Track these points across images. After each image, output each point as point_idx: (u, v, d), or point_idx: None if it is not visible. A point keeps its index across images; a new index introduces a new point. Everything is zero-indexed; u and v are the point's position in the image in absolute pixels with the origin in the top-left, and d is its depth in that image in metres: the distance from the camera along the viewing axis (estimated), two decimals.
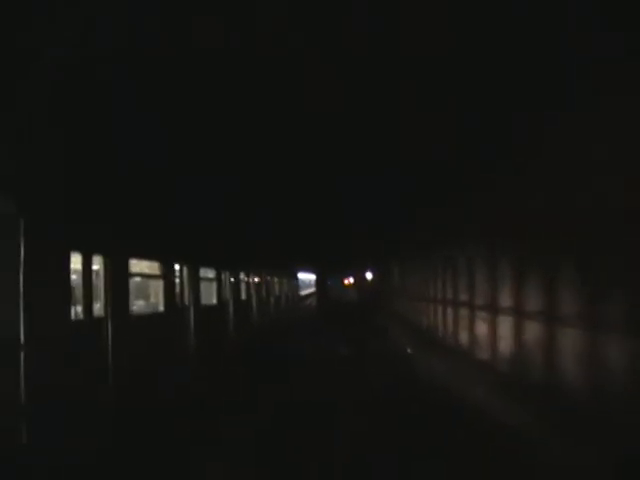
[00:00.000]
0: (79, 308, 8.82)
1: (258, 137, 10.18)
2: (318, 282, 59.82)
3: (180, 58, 6.92)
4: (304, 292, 61.45)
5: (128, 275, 10.75)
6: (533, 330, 9.72)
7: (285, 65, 7.34)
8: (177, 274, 14.23)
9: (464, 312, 14.89)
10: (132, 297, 12.49)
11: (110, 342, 9.38)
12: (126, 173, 10.29)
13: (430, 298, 20.13)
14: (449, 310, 17.02)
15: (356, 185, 14.22)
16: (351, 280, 62.01)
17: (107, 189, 9.72)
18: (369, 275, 54.02)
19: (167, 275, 13.19)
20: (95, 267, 9.43)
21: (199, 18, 6.17)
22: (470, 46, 6.61)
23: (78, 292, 8.81)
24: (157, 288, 13.53)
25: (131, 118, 8.27)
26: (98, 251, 9.35)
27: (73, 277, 8.74)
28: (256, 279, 28.21)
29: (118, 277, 9.97)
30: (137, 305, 13.45)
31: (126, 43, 6.43)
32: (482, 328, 13.07)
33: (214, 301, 18.97)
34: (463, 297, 15.03)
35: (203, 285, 17.10)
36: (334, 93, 8.14)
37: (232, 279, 21.78)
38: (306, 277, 62.34)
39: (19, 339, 6.73)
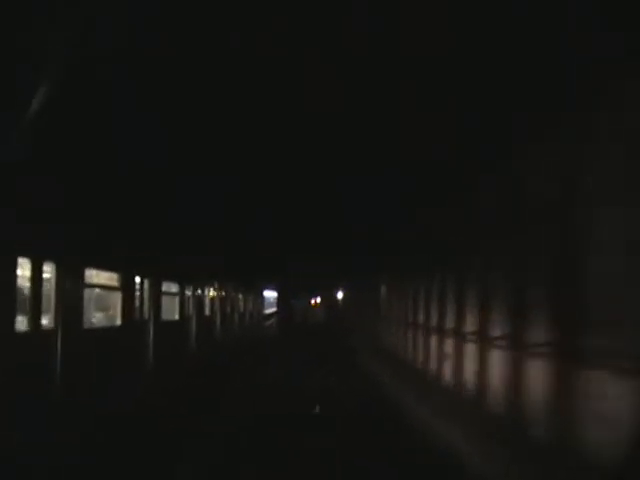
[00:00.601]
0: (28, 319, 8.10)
1: (258, 137, 10.17)
2: (280, 301, 55.07)
3: (180, 58, 6.92)
4: (268, 310, 58.78)
5: (83, 285, 10.07)
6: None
7: (285, 65, 7.34)
8: (138, 287, 13.64)
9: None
10: (92, 309, 12.07)
11: (59, 356, 8.74)
12: (126, 173, 10.29)
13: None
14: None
15: (356, 185, 14.21)
16: (318, 300, 58.48)
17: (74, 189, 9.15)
18: (340, 295, 50.53)
19: (126, 287, 12.56)
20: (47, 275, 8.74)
21: (199, 18, 6.17)
22: (470, 46, 6.60)
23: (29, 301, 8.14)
24: (118, 300, 12.86)
25: (131, 118, 8.27)
26: (49, 258, 8.61)
27: (27, 285, 8.11)
28: (221, 294, 27.80)
29: (71, 287, 9.33)
30: (96, 317, 12.90)
31: (126, 43, 6.44)
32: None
33: (176, 316, 18.39)
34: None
35: (165, 299, 16.51)
36: (334, 93, 8.14)
37: (196, 294, 21.21)
38: (271, 295, 59.57)
39: None
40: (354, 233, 22.20)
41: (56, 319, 8.89)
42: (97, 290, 12.30)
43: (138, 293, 13.74)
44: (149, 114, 8.51)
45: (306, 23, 6.38)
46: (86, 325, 10.73)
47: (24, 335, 7.97)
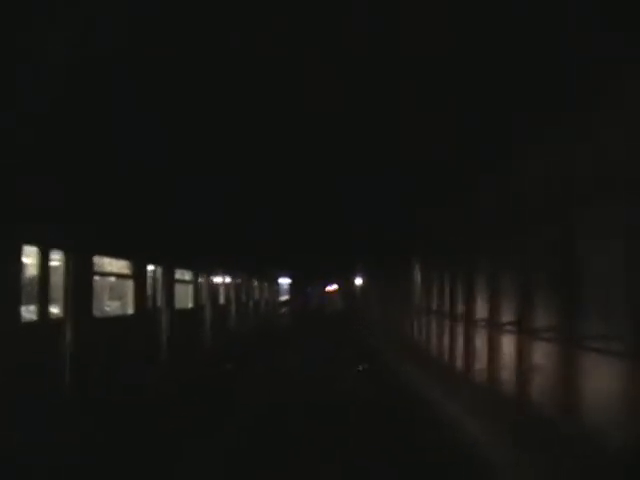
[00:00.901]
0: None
1: (258, 137, 10.17)
2: (293, 289, 53.13)
3: (180, 58, 6.92)
4: (284, 297, 57.15)
5: (92, 274, 9.87)
6: None
7: (285, 65, 7.34)
8: (150, 275, 13.46)
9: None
10: (106, 298, 12.08)
11: (69, 347, 8.57)
12: (126, 173, 10.29)
13: None
14: None
15: (356, 185, 14.22)
16: (335, 287, 57.06)
17: (76, 180, 9.08)
18: (358, 281, 48.11)
19: (138, 276, 12.32)
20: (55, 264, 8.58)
21: (199, 18, 6.16)
22: (470, 46, 6.60)
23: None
24: (130, 289, 12.54)
25: (131, 118, 8.27)
26: (57, 246, 8.48)
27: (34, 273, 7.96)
28: (236, 282, 27.65)
29: (80, 276, 9.15)
30: (111, 307, 12.74)
31: (126, 43, 6.43)
32: None
33: (190, 305, 18.20)
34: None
35: (178, 287, 16.30)
36: (334, 93, 8.14)
37: (210, 282, 20.98)
38: (286, 282, 57.55)
39: None
40: (354, 233, 22.24)
41: (65, 308, 8.77)
42: (112, 279, 12.29)
43: (151, 281, 13.59)
44: (149, 114, 8.51)
45: (306, 23, 6.37)
46: (98, 314, 10.63)
47: (31, 325, 7.85)
